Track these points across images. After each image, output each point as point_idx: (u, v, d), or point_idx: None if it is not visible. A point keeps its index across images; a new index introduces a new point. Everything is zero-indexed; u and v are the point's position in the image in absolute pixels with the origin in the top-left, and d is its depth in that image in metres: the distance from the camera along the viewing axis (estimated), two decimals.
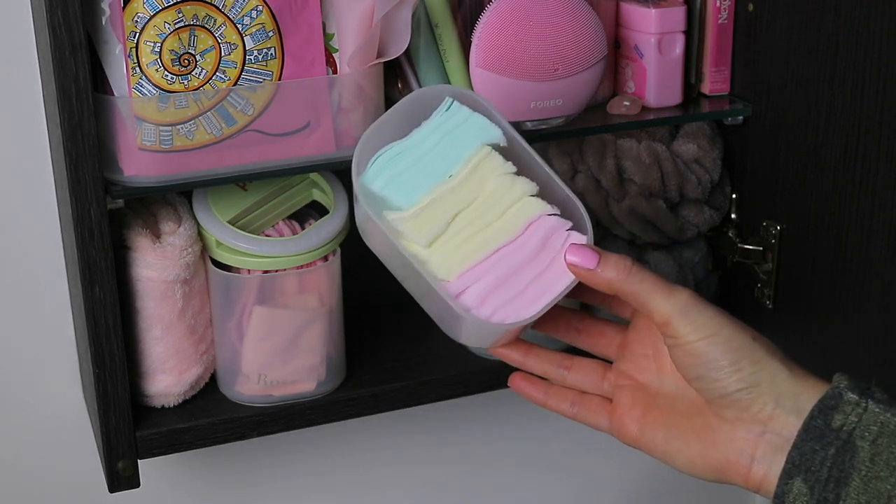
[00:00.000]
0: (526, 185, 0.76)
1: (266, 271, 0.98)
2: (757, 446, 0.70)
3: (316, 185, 1.03)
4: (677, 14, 1.06)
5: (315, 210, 1.03)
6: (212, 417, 1.00)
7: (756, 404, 0.70)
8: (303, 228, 1.01)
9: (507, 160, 0.76)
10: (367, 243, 0.79)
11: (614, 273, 0.72)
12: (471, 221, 0.75)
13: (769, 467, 0.70)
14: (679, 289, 0.72)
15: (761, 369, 0.70)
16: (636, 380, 0.78)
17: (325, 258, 1.00)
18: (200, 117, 0.90)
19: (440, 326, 0.79)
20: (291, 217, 1.02)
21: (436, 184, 0.76)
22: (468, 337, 0.78)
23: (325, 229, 0.99)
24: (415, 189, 0.76)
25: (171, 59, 0.89)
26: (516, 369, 0.81)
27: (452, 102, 0.78)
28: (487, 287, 0.74)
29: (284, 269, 0.98)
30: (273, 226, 1.01)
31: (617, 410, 0.77)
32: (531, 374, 0.80)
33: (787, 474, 0.67)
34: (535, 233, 0.75)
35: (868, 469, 0.64)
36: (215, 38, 0.89)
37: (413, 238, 0.75)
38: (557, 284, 0.75)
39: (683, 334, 0.71)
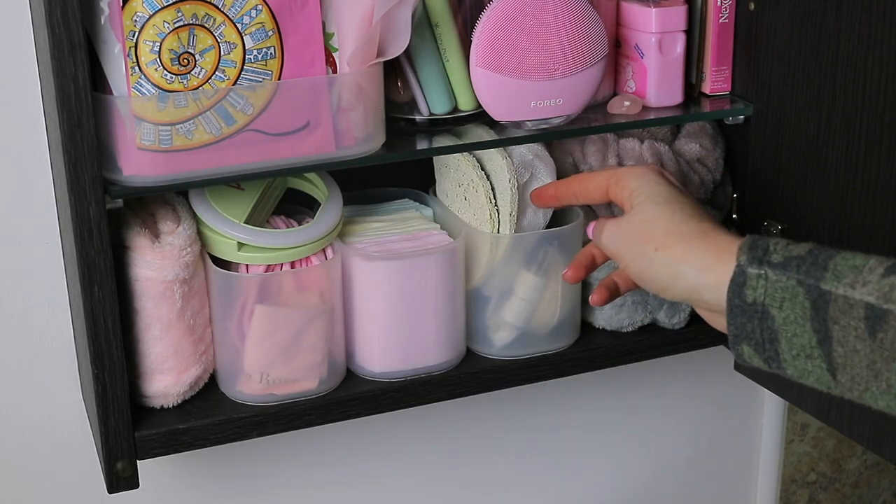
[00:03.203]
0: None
1: (266, 269, 0.98)
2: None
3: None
4: (678, 13, 1.06)
5: (314, 210, 1.03)
6: (211, 418, 1.00)
7: None
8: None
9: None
10: None
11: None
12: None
13: None
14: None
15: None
16: None
17: (325, 256, 1.00)
18: (200, 117, 0.89)
19: None
20: (289, 217, 1.02)
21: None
22: None
23: (327, 219, 1.00)
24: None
25: (171, 59, 0.88)
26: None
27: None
28: None
29: (284, 268, 0.98)
30: (267, 221, 1.01)
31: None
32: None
33: (734, 342, 0.77)
34: None
35: (785, 330, 0.75)
36: (215, 37, 0.89)
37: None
38: None
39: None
